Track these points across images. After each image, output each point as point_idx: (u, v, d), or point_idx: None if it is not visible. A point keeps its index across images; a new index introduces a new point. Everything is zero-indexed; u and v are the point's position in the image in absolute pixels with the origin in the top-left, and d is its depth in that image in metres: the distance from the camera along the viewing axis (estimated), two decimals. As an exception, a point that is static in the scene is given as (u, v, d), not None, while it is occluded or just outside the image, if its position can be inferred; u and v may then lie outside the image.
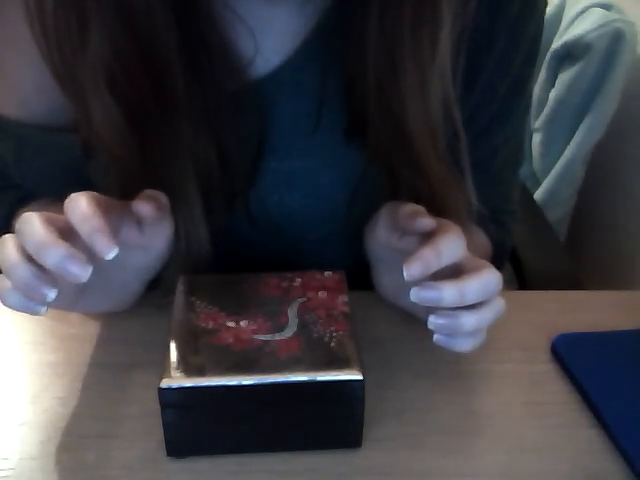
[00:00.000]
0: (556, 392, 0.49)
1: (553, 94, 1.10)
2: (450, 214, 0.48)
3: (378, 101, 0.49)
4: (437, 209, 0.48)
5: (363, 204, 0.53)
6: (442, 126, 0.50)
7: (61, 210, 0.42)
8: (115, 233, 0.42)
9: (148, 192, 0.46)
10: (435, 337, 0.43)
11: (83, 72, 0.45)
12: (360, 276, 0.53)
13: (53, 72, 0.48)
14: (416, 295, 0.41)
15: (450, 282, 0.41)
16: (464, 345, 0.44)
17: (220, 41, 0.49)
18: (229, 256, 0.55)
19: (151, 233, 0.47)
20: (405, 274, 0.41)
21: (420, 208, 0.46)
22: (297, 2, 0.49)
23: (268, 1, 0.49)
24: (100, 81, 0.45)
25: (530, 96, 0.60)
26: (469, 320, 0.42)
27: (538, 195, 1.14)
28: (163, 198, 0.47)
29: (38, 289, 0.39)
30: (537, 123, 1.15)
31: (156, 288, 0.53)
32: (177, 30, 0.46)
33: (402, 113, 0.48)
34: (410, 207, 0.47)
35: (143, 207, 0.44)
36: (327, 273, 0.49)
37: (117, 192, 0.46)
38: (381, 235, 0.49)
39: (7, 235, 0.42)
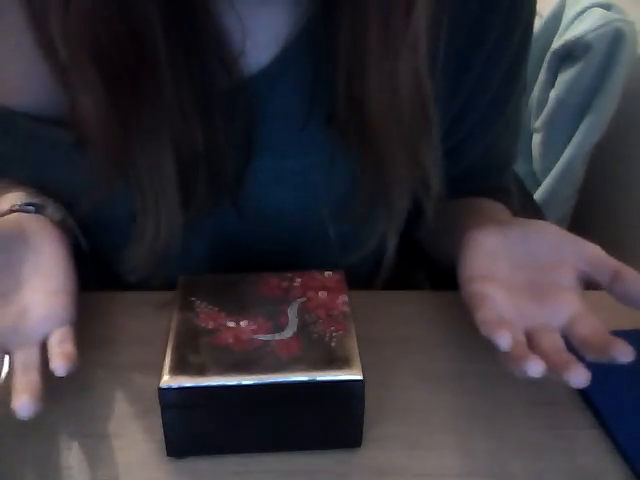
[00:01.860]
0: (556, 392, 0.49)
1: (553, 94, 1.10)
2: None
3: (346, 83, 0.48)
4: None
5: (350, 202, 0.53)
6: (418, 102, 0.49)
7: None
8: None
9: None
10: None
11: (65, 40, 0.44)
12: (359, 276, 0.53)
13: (37, 39, 0.47)
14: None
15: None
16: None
17: (212, 29, 0.48)
18: (227, 258, 0.55)
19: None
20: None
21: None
22: None
23: None
24: (82, 51, 0.44)
25: (525, 81, 0.61)
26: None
27: (538, 195, 1.14)
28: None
29: None
30: (537, 123, 1.15)
31: (153, 288, 0.53)
32: (167, 13, 0.44)
33: (366, 89, 0.47)
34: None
35: None
36: (327, 273, 0.49)
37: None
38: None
39: None
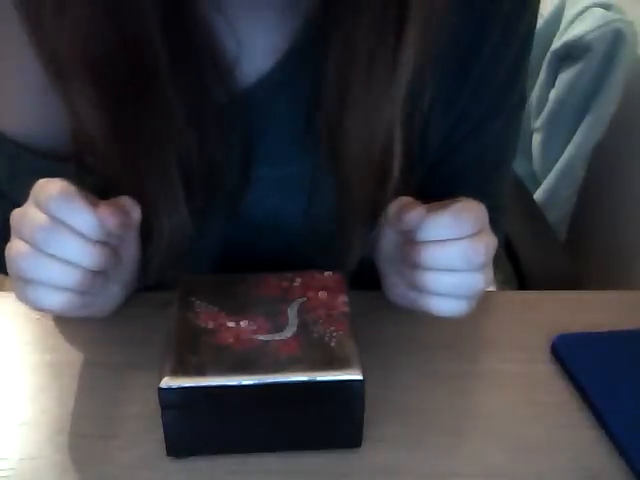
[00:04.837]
0: (556, 392, 0.49)
1: (553, 94, 1.11)
2: None
3: (330, 111, 0.49)
4: None
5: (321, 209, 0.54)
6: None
7: None
8: None
9: (121, 201, 0.45)
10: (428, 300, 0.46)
11: (62, 54, 0.44)
12: (359, 276, 0.53)
13: (37, 53, 0.46)
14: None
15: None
16: (454, 306, 0.46)
17: (206, 39, 0.47)
18: (227, 262, 0.55)
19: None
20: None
21: (407, 201, 0.47)
22: (280, 5, 0.49)
23: (252, 4, 0.49)
24: (79, 66, 0.44)
25: (524, 90, 0.60)
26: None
27: (538, 195, 1.14)
28: (135, 212, 0.46)
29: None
30: (537, 123, 1.15)
31: (153, 289, 0.53)
32: (162, 27, 0.44)
33: (344, 126, 0.49)
34: (397, 203, 0.47)
35: (107, 218, 0.42)
36: (327, 273, 0.49)
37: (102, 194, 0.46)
38: (388, 234, 0.50)
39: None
